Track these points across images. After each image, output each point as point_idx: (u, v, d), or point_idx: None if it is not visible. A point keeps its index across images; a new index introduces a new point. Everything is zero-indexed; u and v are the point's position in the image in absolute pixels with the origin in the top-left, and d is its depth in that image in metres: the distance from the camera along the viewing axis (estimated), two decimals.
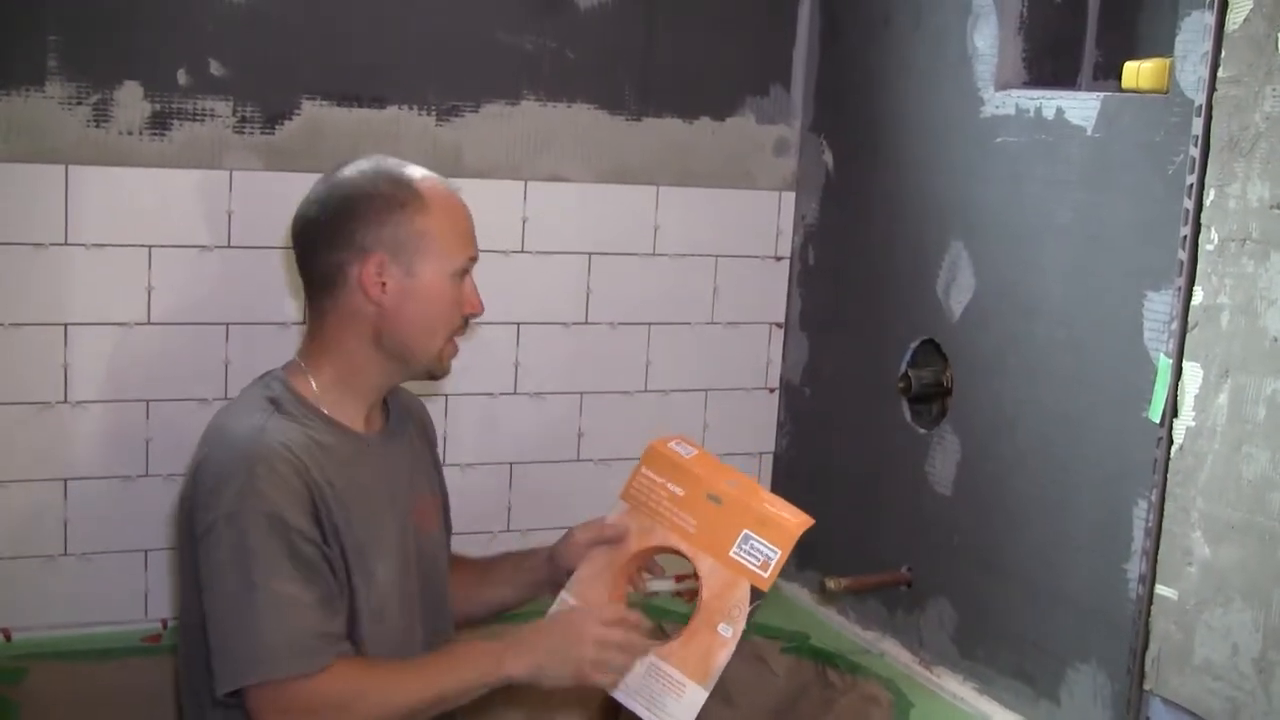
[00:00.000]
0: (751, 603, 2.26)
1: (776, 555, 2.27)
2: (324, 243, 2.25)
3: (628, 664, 2.25)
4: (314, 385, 2.27)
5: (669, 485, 2.39)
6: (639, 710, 2.25)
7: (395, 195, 2.23)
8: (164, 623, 2.83)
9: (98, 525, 2.78)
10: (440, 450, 2.74)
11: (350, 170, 2.27)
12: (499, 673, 2.19)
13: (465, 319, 2.32)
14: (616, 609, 2.30)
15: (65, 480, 2.74)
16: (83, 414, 2.73)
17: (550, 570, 2.49)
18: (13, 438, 2.69)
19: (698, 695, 2.23)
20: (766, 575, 2.25)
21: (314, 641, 2.10)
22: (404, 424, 2.43)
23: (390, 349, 2.26)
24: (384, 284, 2.22)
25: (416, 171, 2.28)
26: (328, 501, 2.17)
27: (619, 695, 2.27)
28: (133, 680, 2.75)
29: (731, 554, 2.29)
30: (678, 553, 2.36)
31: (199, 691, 2.25)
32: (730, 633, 2.24)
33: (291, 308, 2.82)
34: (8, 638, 2.73)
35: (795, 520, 2.30)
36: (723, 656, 2.24)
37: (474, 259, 2.32)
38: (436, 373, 2.34)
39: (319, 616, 2.12)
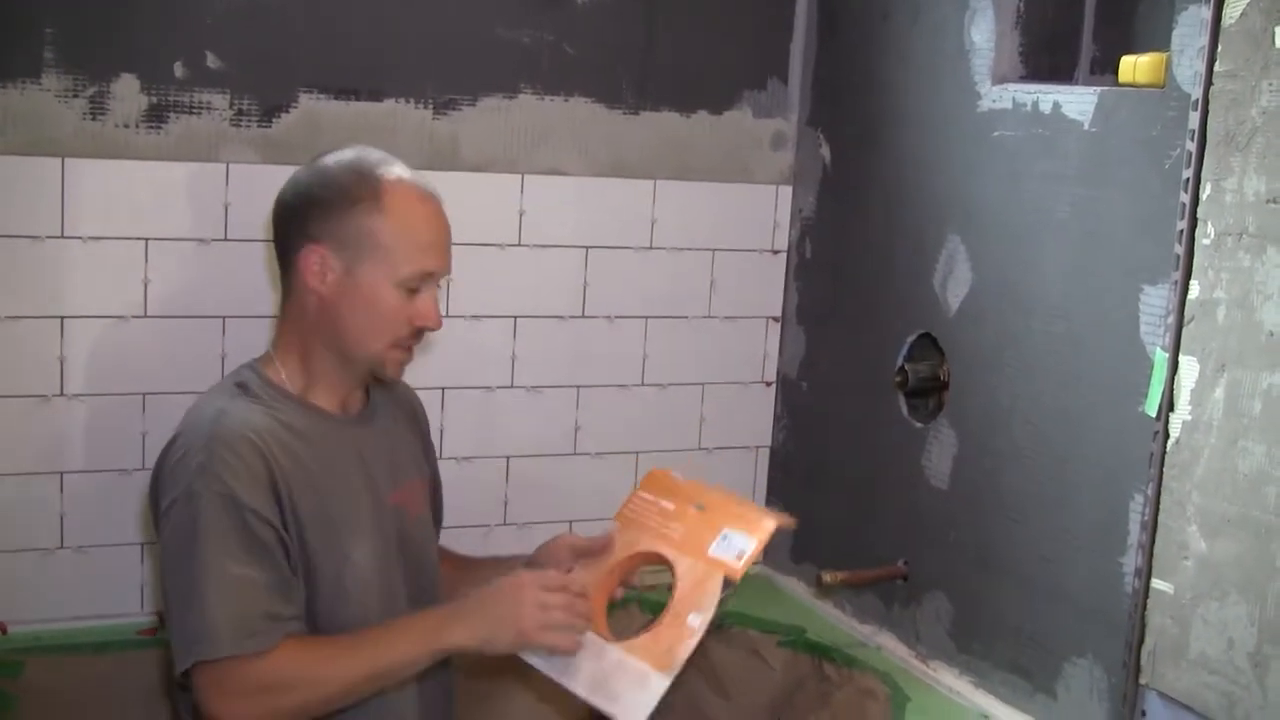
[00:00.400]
0: (723, 592, 2.27)
1: (751, 545, 2.28)
2: (286, 227, 2.26)
3: (570, 624, 2.20)
4: (282, 371, 2.28)
5: (660, 502, 2.42)
6: (601, 706, 2.23)
7: (352, 190, 2.21)
8: (160, 615, 2.83)
9: (94, 518, 2.78)
10: (437, 443, 2.74)
11: (330, 157, 2.27)
12: (441, 643, 2.18)
13: (416, 330, 2.27)
14: (557, 576, 2.26)
15: (61, 474, 2.74)
16: (79, 407, 2.73)
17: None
18: (9, 431, 2.69)
19: (660, 684, 2.21)
20: (740, 565, 2.26)
21: (261, 623, 2.09)
22: (385, 408, 2.43)
23: (328, 343, 2.26)
24: (325, 276, 2.21)
25: (393, 171, 2.25)
26: (290, 483, 2.17)
27: (581, 692, 2.24)
28: (129, 673, 2.75)
29: (710, 552, 2.30)
30: (661, 559, 2.36)
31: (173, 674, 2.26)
32: (699, 622, 2.24)
33: None
34: (4, 631, 2.73)
35: (772, 515, 2.34)
36: (689, 644, 2.23)
37: (431, 274, 2.25)
38: (380, 376, 2.32)
39: (268, 598, 2.11)
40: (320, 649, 2.16)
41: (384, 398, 2.44)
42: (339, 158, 2.26)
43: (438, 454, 2.67)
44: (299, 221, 2.23)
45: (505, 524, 3.11)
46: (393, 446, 2.41)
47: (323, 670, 2.13)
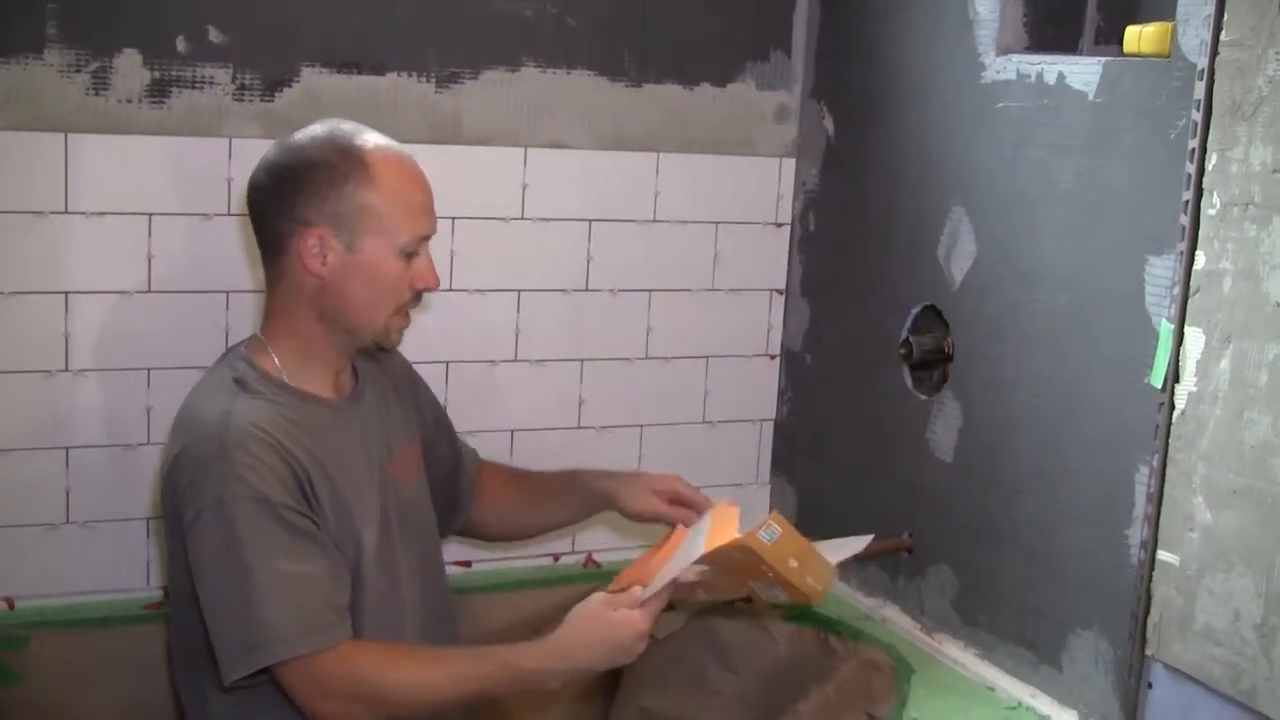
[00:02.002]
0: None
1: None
2: (270, 212, 2.24)
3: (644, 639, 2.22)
4: (275, 359, 2.26)
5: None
6: None
7: (339, 167, 2.19)
8: (165, 590, 2.83)
9: (99, 494, 2.78)
10: None
11: (302, 136, 2.25)
12: (530, 681, 2.20)
13: (416, 293, 2.29)
14: (641, 604, 2.21)
15: (66, 449, 2.75)
16: (83, 382, 2.73)
17: (608, 509, 2.58)
18: (13, 407, 2.69)
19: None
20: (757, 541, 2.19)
21: (326, 615, 2.09)
22: (372, 382, 2.42)
23: (333, 322, 2.25)
24: (325, 258, 2.20)
25: (370, 140, 2.24)
26: (310, 474, 2.16)
27: None
28: (134, 647, 2.75)
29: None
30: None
31: (198, 674, 2.25)
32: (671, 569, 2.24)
33: None
34: (10, 606, 2.74)
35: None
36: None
37: (425, 236, 2.27)
38: (384, 345, 2.33)
39: (326, 590, 2.11)
40: (412, 656, 2.19)
41: (370, 371, 2.43)
42: (312, 134, 2.24)
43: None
44: (285, 205, 2.21)
45: None
46: (384, 420, 2.41)
47: (417, 678, 2.14)
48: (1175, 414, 2.21)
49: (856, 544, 2.47)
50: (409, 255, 2.24)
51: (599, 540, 3.20)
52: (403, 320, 2.31)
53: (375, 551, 2.27)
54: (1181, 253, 2.19)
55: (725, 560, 2.21)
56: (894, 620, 2.89)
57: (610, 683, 2.96)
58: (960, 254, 2.72)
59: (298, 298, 2.25)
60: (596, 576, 3.13)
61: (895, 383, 2.91)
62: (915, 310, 2.86)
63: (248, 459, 2.11)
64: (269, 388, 2.23)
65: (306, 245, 2.20)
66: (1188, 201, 2.18)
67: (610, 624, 2.18)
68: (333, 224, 2.19)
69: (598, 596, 2.24)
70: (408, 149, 2.32)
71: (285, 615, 2.07)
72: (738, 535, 2.21)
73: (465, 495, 2.67)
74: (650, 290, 3.18)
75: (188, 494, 2.13)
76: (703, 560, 2.21)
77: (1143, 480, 2.31)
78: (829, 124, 3.14)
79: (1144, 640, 2.30)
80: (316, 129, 2.26)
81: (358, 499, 2.25)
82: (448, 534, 2.67)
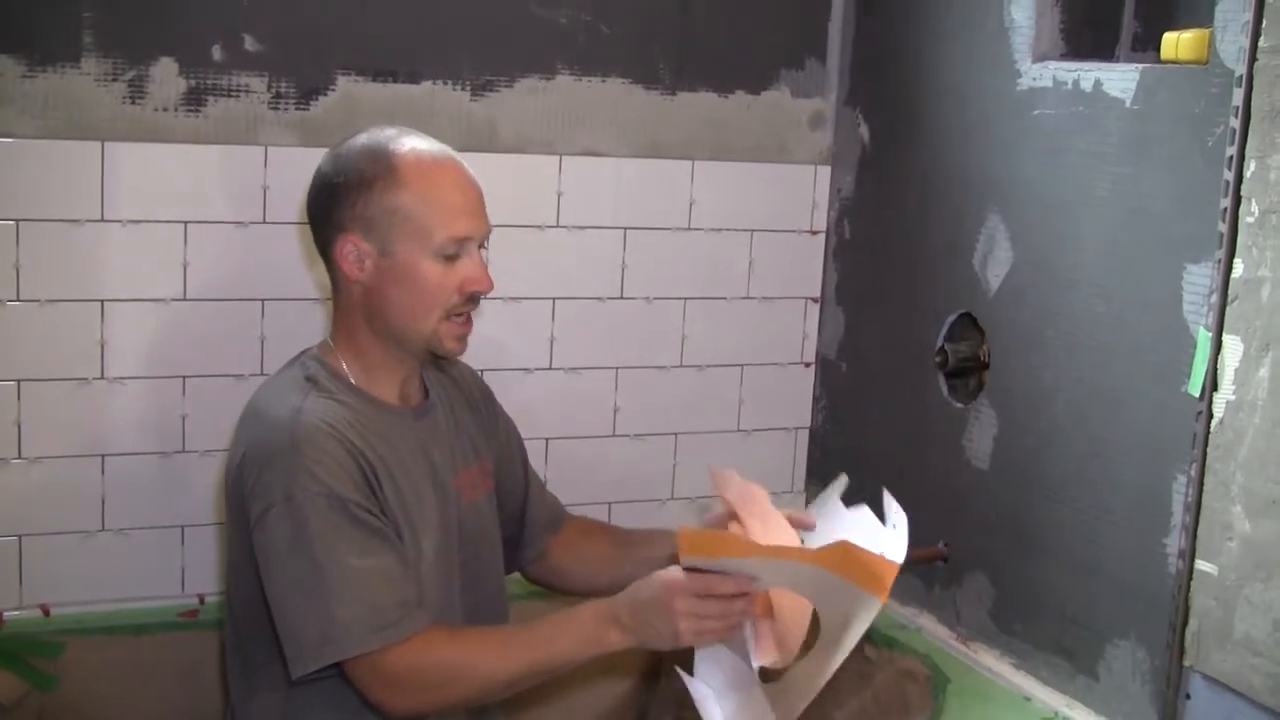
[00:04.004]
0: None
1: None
2: (316, 220, 2.24)
3: (724, 629, 2.08)
4: (343, 362, 2.26)
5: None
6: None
7: (365, 172, 2.17)
8: (200, 598, 2.84)
9: (135, 501, 2.79)
10: None
11: (344, 144, 2.24)
12: (600, 646, 2.10)
13: (466, 297, 2.22)
14: (704, 581, 2.04)
15: (103, 456, 2.76)
16: (120, 390, 2.74)
17: None
18: (50, 414, 2.71)
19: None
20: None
21: (395, 611, 2.07)
22: (443, 395, 2.40)
23: (382, 329, 2.23)
24: (363, 264, 2.19)
25: (405, 144, 2.20)
26: (377, 474, 2.16)
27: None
28: (169, 655, 2.76)
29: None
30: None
31: (244, 672, 2.26)
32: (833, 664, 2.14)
33: (328, 283, 2.83)
34: (46, 613, 2.75)
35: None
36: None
37: (464, 237, 2.19)
38: (439, 352, 2.26)
39: (396, 586, 2.10)
40: (477, 639, 2.16)
41: (441, 384, 2.42)
42: (353, 142, 2.23)
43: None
44: (324, 213, 2.21)
45: None
46: (453, 434, 2.38)
47: (484, 660, 2.11)
48: (1213, 423, 2.20)
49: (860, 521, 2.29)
50: (449, 257, 2.18)
51: None
52: (457, 326, 2.23)
53: (433, 564, 2.26)
54: (1219, 260, 2.18)
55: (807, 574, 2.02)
56: (930, 629, 2.88)
57: (650, 668, 2.96)
58: (996, 261, 2.71)
59: (349, 305, 2.24)
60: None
61: (931, 391, 2.90)
62: (951, 318, 2.85)
63: (318, 454, 2.10)
64: (340, 388, 2.22)
65: (343, 252, 2.19)
66: (1226, 209, 2.17)
67: (659, 584, 2.06)
68: (364, 229, 2.17)
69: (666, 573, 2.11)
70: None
71: (356, 611, 2.06)
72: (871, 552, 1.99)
73: (533, 537, 2.60)
74: (685, 298, 3.17)
75: (256, 489, 2.12)
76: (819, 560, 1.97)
77: (1180, 489, 2.29)
78: (864, 131, 3.13)
79: (1182, 650, 2.28)
80: (359, 136, 2.24)
81: (419, 507, 2.23)
82: (516, 571, 2.61)
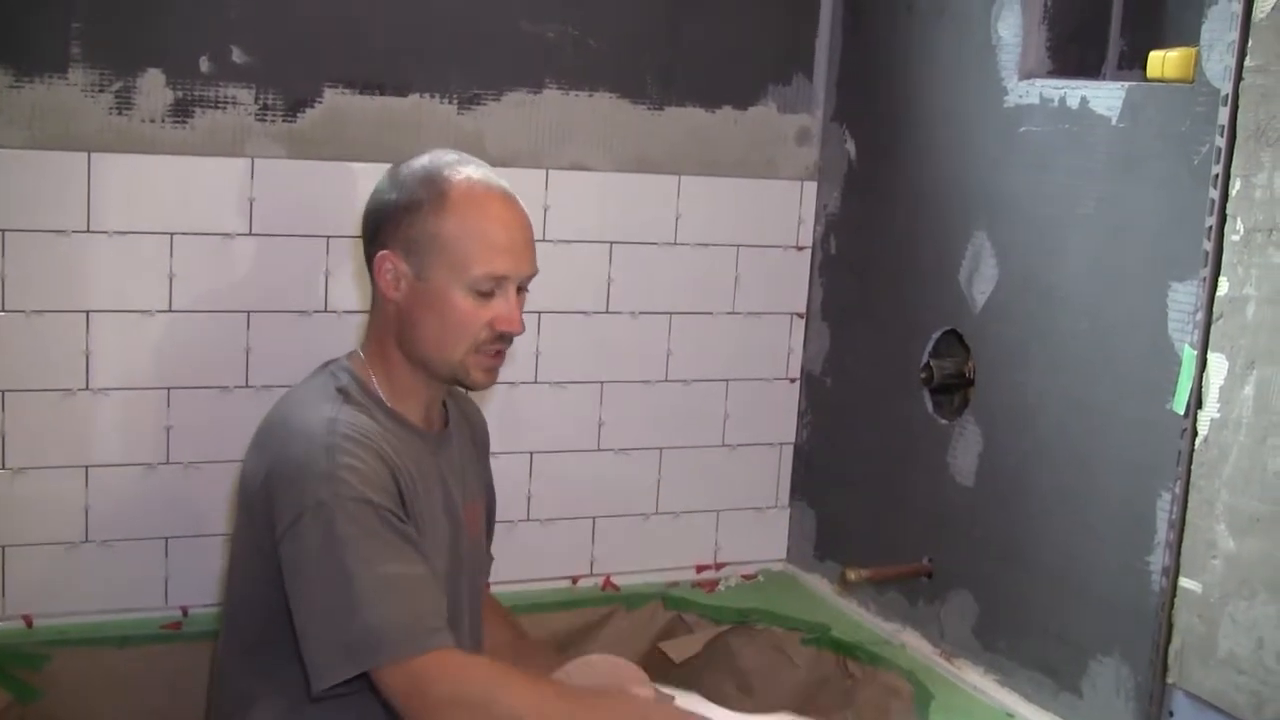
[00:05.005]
0: None
1: None
2: (365, 234, 2.23)
3: None
4: (373, 376, 2.23)
5: None
6: None
7: (416, 193, 2.16)
8: (184, 610, 2.83)
9: (119, 512, 2.78)
10: None
11: (405, 163, 2.22)
12: None
13: (497, 335, 2.18)
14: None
15: (86, 467, 2.75)
16: (104, 401, 2.74)
17: None
18: (34, 425, 2.70)
19: None
20: None
21: (432, 619, 2.03)
22: (460, 426, 2.40)
23: (409, 351, 2.21)
24: (399, 283, 2.17)
25: (461, 171, 2.18)
26: (405, 489, 2.14)
27: None
28: (153, 667, 2.76)
29: None
30: None
31: (248, 681, 2.22)
32: None
33: (315, 295, 2.83)
34: (29, 624, 2.74)
35: None
36: None
37: (501, 276, 2.15)
38: (465, 384, 2.24)
39: (429, 593, 2.06)
40: (520, 678, 2.07)
41: (459, 415, 2.41)
42: (413, 162, 2.21)
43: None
44: (375, 228, 2.20)
45: (529, 520, 3.11)
46: (464, 467, 2.38)
47: (521, 700, 2.02)
48: (1198, 440, 2.21)
49: None
50: (483, 293, 2.15)
51: (617, 561, 3.19)
52: (486, 360, 2.20)
53: (444, 585, 2.23)
54: (1205, 278, 2.19)
55: None
56: (914, 645, 2.88)
57: None
58: (982, 278, 2.71)
59: (383, 322, 2.23)
60: (614, 599, 3.13)
61: (916, 407, 2.90)
62: (936, 334, 2.85)
63: (353, 461, 2.07)
64: (369, 402, 2.20)
65: (383, 269, 2.18)
66: (1211, 227, 2.17)
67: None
68: (405, 249, 2.16)
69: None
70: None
71: (388, 618, 2.00)
72: None
73: None
74: (671, 313, 3.18)
75: (287, 497, 2.08)
76: None
77: (1165, 506, 2.30)
78: (851, 147, 3.14)
79: (1165, 667, 2.29)
80: (421, 157, 2.22)
81: (433, 533, 2.21)
82: None
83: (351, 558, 2.02)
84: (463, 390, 2.34)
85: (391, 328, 2.22)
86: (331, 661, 2.02)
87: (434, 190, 2.16)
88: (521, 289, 2.22)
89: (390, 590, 2.03)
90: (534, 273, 2.22)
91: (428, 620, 2.03)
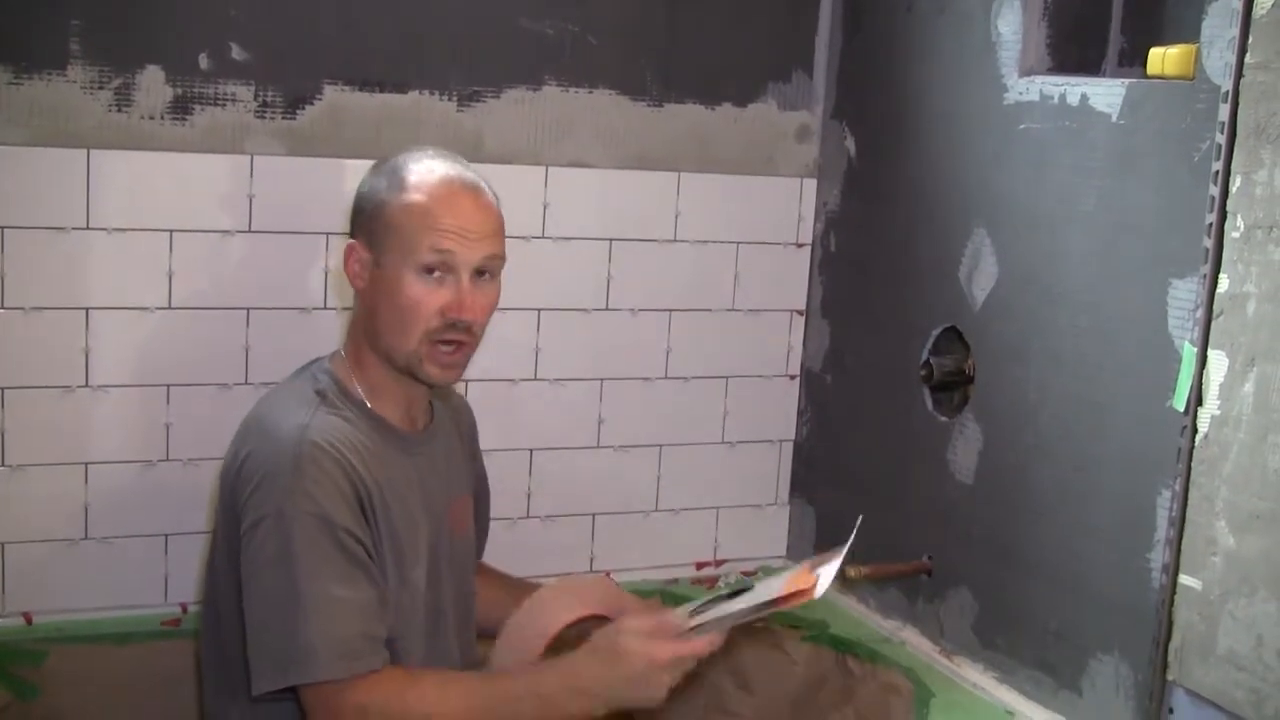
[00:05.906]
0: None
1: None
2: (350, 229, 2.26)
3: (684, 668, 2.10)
4: (353, 376, 2.23)
5: None
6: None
7: (379, 184, 2.18)
8: (184, 607, 2.83)
9: (118, 509, 2.78)
10: None
11: (386, 158, 2.24)
12: (563, 712, 2.08)
13: (449, 323, 2.15)
14: (657, 627, 2.09)
15: (86, 464, 2.75)
16: (103, 398, 2.73)
17: None
18: (34, 422, 2.70)
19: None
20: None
21: (360, 644, 2.05)
22: (445, 422, 2.40)
23: (374, 344, 2.20)
24: (363, 272, 2.18)
25: (425, 162, 2.18)
26: (374, 502, 2.14)
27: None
28: (152, 664, 2.75)
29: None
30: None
31: (225, 681, 2.24)
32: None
33: (315, 292, 2.83)
34: (28, 621, 2.74)
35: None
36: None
37: (445, 251, 2.13)
38: (420, 377, 2.20)
39: (365, 619, 2.07)
40: (436, 685, 2.10)
41: (443, 413, 2.40)
42: (391, 157, 2.22)
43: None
44: (350, 221, 2.23)
45: (528, 517, 3.11)
46: (448, 465, 2.37)
47: (440, 709, 2.07)
48: (1198, 437, 2.20)
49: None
50: (434, 276, 2.14)
51: (616, 558, 3.19)
52: (438, 352, 2.17)
53: (422, 593, 2.24)
54: (1205, 275, 2.19)
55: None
56: (913, 643, 2.88)
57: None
58: (982, 275, 2.71)
59: (357, 317, 2.24)
60: None
61: (916, 404, 2.90)
62: (936, 332, 2.85)
63: (318, 475, 2.07)
64: (348, 406, 2.20)
65: (350, 258, 2.20)
66: (1211, 224, 2.17)
67: (619, 652, 2.07)
68: (367, 238, 2.17)
69: (628, 622, 2.12)
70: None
71: (323, 638, 2.03)
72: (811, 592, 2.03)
73: None
74: (670, 310, 3.17)
75: (251, 500, 2.10)
76: (768, 606, 2.05)
77: (1164, 504, 2.30)
78: (850, 145, 3.14)
79: (1165, 665, 2.29)
80: (400, 153, 2.24)
81: (409, 536, 2.21)
82: None
83: (300, 573, 2.05)
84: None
85: (362, 321, 2.23)
86: (263, 670, 2.07)
87: (394, 179, 2.17)
88: (487, 276, 2.21)
89: (329, 612, 2.05)
90: (490, 258, 2.19)
91: (355, 643, 2.06)
